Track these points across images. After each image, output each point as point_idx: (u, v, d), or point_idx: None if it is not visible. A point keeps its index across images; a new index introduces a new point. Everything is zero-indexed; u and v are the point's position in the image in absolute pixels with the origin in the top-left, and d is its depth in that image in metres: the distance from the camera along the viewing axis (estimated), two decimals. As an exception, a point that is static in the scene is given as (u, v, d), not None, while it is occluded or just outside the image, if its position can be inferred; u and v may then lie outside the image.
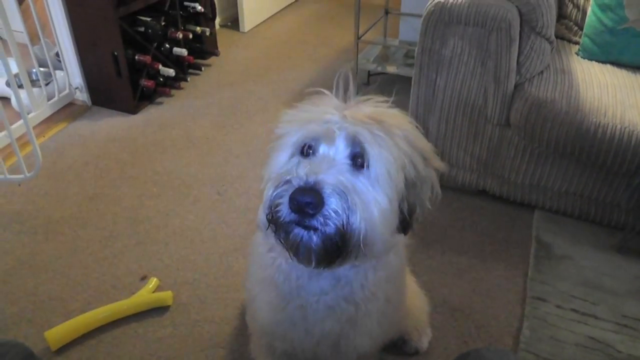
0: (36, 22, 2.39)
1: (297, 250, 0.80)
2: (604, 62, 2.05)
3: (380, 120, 0.81)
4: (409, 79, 1.93)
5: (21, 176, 2.01)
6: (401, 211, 0.85)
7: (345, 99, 0.87)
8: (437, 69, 1.89)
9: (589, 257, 1.84)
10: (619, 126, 1.69)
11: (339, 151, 0.80)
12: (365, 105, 0.85)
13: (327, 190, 0.74)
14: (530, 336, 1.55)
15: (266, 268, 1.01)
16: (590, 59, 2.07)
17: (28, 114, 2.23)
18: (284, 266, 0.97)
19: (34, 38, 2.52)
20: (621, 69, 2.01)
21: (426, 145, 0.88)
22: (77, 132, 2.54)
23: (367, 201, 0.78)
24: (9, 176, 2.02)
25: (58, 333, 1.50)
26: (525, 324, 1.59)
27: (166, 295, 1.64)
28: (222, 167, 2.30)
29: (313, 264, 0.81)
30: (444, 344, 1.55)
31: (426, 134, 2.02)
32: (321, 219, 0.75)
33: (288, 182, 0.77)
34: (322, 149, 0.82)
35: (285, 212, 0.77)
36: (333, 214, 0.75)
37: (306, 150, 0.83)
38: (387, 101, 0.88)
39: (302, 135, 0.83)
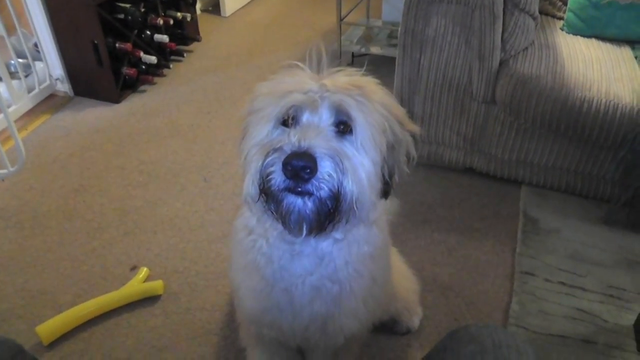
0: (12, 12, 2.33)
1: (289, 218, 0.80)
2: (588, 36, 2.05)
3: (360, 86, 0.82)
4: (393, 59, 1.92)
5: (5, 171, 1.98)
6: (382, 175, 0.87)
7: (318, 71, 0.87)
8: (421, 48, 1.88)
9: (576, 230, 1.86)
10: (603, 100, 1.70)
11: (323, 119, 0.81)
12: (340, 75, 0.86)
13: (319, 155, 0.75)
14: (519, 310, 1.57)
15: (247, 253, 1.00)
16: (575, 34, 2.07)
17: (8, 107, 2.20)
18: (265, 249, 0.97)
19: (10, 29, 2.46)
20: (606, 43, 2.01)
21: (400, 110, 0.89)
22: (60, 123, 2.51)
23: (355, 164, 0.79)
24: (-8, 171, 1.99)
25: (49, 327, 1.49)
26: (515, 299, 1.61)
27: (157, 285, 1.64)
28: (207, 154, 2.29)
29: (304, 231, 0.81)
30: (435, 323, 1.57)
31: (412, 113, 2.02)
32: (316, 183, 0.76)
33: (279, 149, 0.77)
34: (306, 117, 0.81)
35: (278, 179, 0.77)
36: (327, 177, 0.76)
37: (290, 121, 0.82)
38: (359, 71, 0.89)
39: (284, 105, 0.81)
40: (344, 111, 0.80)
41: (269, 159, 0.78)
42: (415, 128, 0.92)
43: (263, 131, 0.83)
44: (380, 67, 2.93)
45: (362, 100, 0.80)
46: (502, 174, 2.06)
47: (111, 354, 1.48)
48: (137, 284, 1.64)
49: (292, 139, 0.76)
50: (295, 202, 0.78)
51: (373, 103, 0.82)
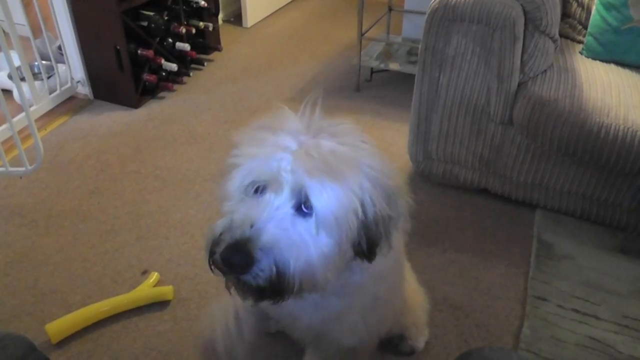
0: (38, 15, 2.38)
1: (235, 289, 0.83)
2: (607, 61, 2.04)
3: (333, 166, 0.79)
4: (411, 76, 1.92)
5: (22, 169, 2.01)
6: (359, 244, 0.85)
7: (309, 123, 0.85)
8: (441, 66, 1.88)
9: (590, 257, 1.84)
10: (622, 126, 1.68)
11: (284, 200, 0.80)
12: (327, 139, 0.82)
13: (257, 251, 0.76)
14: (530, 335, 1.55)
15: None
16: (594, 58, 2.06)
17: (30, 107, 2.23)
18: None
19: (36, 31, 2.51)
20: (625, 69, 2.00)
21: (393, 182, 0.86)
22: (79, 125, 2.54)
23: (305, 250, 0.79)
24: (10, 169, 2.02)
25: (59, 326, 1.50)
26: (526, 324, 1.59)
27: (167, 290, 1.64)
28: (223, 163, 2.29)
29: (252, 302, 0.84)
30: (444, 343, 1.55)
31: (429, 132, 2.02)
32: (250, 277, 0.78)
33: (222, 233, 0.80)
34: (268, 194, 0.81)
35: (218, 261, 0.80)
36: (261, 273, 0.77)
37: (255, 187, 0.84)
38: (355, 128, 0.86)
39: (250, 177, 0.83)
40: (305, 195, 0.79)
41: (215, 238, 0.81)
42: (408, 203, 0.89)
43: (231, 188, 0.86)
44: (399, 84, 2.94)
45: (330, 184, 0.78)
46: (516, 197, 2.04)
47: (118, 356, 1.48)
48: (147, 289, 1.64)
49: (234, 226, 0.78)
50: (236, 280, 0.81)
51: (348, 183, 0.79)
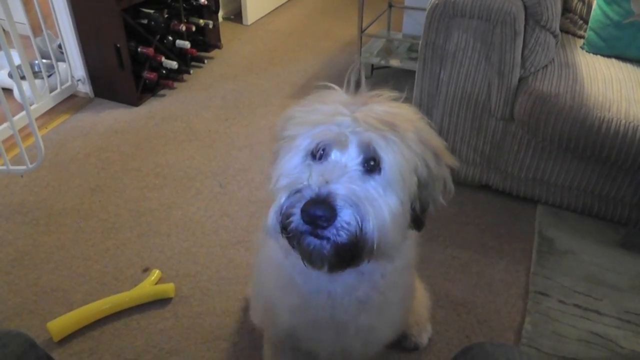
0: (39, 14, 2.38)
1: (309, 257, 0.80)
2: (609, 56, 2.04)
3: (393, 123, 0.80)
4: (412, 72, 1.92)
5: (23, 167, 2.01)
6: (413, 209, 0.85)
7: (355, 95, 0.86)
8: (441, 62, 1.88)
9: (592, 252, 1.84)
10: (623, 121, 1.68)
11: (351, 157, 0.80)
12: (377, 104, 0.83)
13: (339, 202, 0.74)
14: (532, 331, 1.55)
15: (283, 269, 0.99)
16: (595, 53, 2.06)
17: (30, 105, 2.23)
18: (302, 267, 0.94)
19: (36, 30, 2.51)
20: (626, 64, 1.99)
21: (438, 143, 0.87)
22: (80, 124, 2.54)
23: (379, 207, 0.77)
24: (11, 167, 2.02)
25: (60, 324, 1.50)
26: (528, 319, 1.59)
27: (168, 288, 1.64)
28: (224, 160, 2.30)
29: (326, 269, 0.82)
30: (446, 339, 1.55)
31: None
32: (334, 230, 0.75)
33: (299, 192, 0.77)
34: (334, 154, 0.80)
35: (297, 222, 0.77)
36: (345, 225, 0.75)
37: (318, 154, 0.82)
38: (399, 97, 0.87)
39: (313, 140, 0.82)
40: (373, 150, 0.79)
41: (290, 200, 0.78)
42: (453, 161, 0.90)
43: (293, 163, 0.84)
44: (400, 80, 2.93)
45: (394, 139, 0.79)
46: (518, 192, 2.04)
47: (120, 354, 1.48)
48: (148, 286, 1.65)
49: (312, 184, 0.76)
50: (314, 243, 0.78)
51: (406, 141, 0.80)
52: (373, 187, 0.78)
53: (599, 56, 2.04)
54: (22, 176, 2.14)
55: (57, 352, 1.48)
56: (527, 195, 2.03)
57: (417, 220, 0.87)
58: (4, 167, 2.01)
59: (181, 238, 1.88)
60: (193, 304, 1.63)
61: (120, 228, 1.92)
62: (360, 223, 0.75)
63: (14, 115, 2.03)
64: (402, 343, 1.50)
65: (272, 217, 0.81)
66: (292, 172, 0.83)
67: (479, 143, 1.99)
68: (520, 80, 1.84)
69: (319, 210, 0.73)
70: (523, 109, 1.79)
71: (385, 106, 0.83)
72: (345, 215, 0.74)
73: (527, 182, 1.99)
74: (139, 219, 1.96)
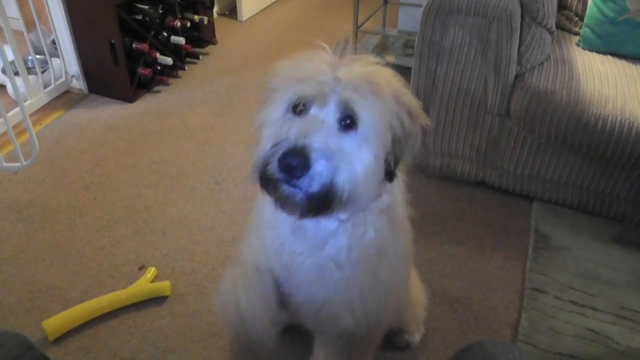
0: (32, 9, 2.36)
1: (284, 203, 0.87)
2: (604, 52, 2.04)
3: (372, 82, 0.84)
4: (408, 69, 1.91)
5: (18, 164, 1.99)
6: (387, 163, 0.90)
7: (340, 55, 0.90)
8: (437, 59, 1.88)
9: (587, 249, 1.84)
10: (619, 118, 1.68)
11: (329, 113, 0.84)
12: (358, 64, 0.87)
13: (314, 155, 0.79)
14: (528, 327, 1.56)
15: (263, 213, 1.06)
16: (591, 50, 2.06)
17: (24, 101, 2.22)
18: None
19: (29, 25, 2.49)
20: (622, 60, 2.00)
21: (413, 103, 0.91)
22: (74, 120, 2.52)
23: (352, 161, 0.82)
24: (5, 164, 2.00)
25: (56, 323, 1.49)
26: (524, 316, 1.59)
27: (164, 285, 1.63)
28: (220, 156, 2.29)
29: (298, 215, 0.87)
30: (443, 336, 1.55)
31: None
32: (307, 180, 0.81)
33: (277, 144, 0.82)
34: (314, 110, 0.85)
35: (274, 170, 0.82)
36: (317, 177, 0.80)
37: (299, 108, 0.87)
38: (378, 61, 0.91)
39: (295, 94, 0.86)
40: (351, 108, 0.83)
41: (269, 151, 0.84)
42: (426, 121, 0.94)
43: (275, 114, 0.89)
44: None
45: (371, 97, 0.83)
46: (514, 189, 2.04)
47: (116, 352, 1.47)
48: (144, 284, 1.64)
49: (290, 136, 0.81)
50: (288, 190, 0.84)
51: (383, 99, 0.85)
52: (348, 142, 0.83)
53: (594, 53, 2.04)
54: (16, 173, 2.13)
55: (53, 350, 1.47)
56: (523, 192, 2.03)
57: (390, 173, 0.92)
58: (-3, 164, 2.00)
59: (177, 235, 1.87)
60: (189, 302, 1.63)
61: (116, 225, 1.91)
62: (332, 174, 0.81)
63: (7, 112, 2.02)
64: (393, 340, 1.49)
65: (254, 163, 0.87)
66: (274, 123, 0.89)
67: (475, 139, 1.99)
68: (516, 76, 1.84)
69: (295, 161, 0.79)
70: (519, 106, 1.79)
71: (367, 67, 0.88)
72: (319, 167, 0.80)
73: (523, 179, 2.00)
74: (135, 216, 1.95)
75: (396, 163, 0.92)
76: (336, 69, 0.85)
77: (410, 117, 0.90)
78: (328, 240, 0.98)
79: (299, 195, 0.83)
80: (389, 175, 0.93)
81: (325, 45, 0.93)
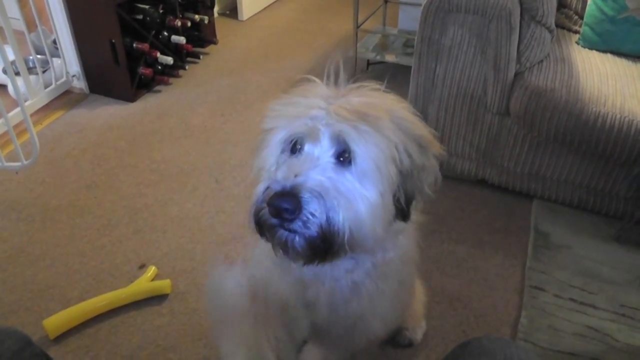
0: (33, 9, 2.36)
1: (284, 249, 0.81)
2: (604, 51, 2.04)
3: (367, 113, 0.79)
4: (408, 67, 1.92)
5: (18, 164, 2.00)
6: (398, 200, 0.84)
7: (336, 87, 0.86)
8: (437, 57, 1.88)
9: (587, 247, 1.84)
10: (618, 116, 1.68)
11: (324, 149, 0.80)
12: (355, 95, 0.83)
13: (305, 194, 0.75)
14: (528, 325, 1.56)
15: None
16: (591, 48, 2.06)
17: (25, 101, 2.22)
18: None
19: (30, 25, 2.49)
20: (621, 58, 2.00)
21: (423, 132, 0.86)
22: (75, 120, 2.53)
23: (352, 199, 0.77)
24: (6, 164, 2.01)
25: (56, 321, 1.50)
26: (524, 313, 1.59)
27: (164, 284, 1.64)
28: (220, 156, 2.29)
29: (302, 262, 0.82)
30: (443, 333, 1.56)
31: (425, 123, 2.01)
32: (300, 223, 0.76)
33: (268, 187, 0.78)
34: (307, 147, 0.81)
35: (267, 216, 0.78)
36: (311, 218, 0.76)
37: (295, 147, 0.84)
38: (379, 88, 0.87)
39: (288, 133, 0.83)
40: (344, 142, 0.79)
41: (261, 195, 0.80)
42: (440, 151, 0.89)
43: (270, 156, 0.86)
44: (396, 76, 2.93)
45: (366, 129, 0.78)
46: (514, 187, 2.04)
47: (116, 351, 1.48)
48: (144, 283, 1.64)
49: (280, 177, 0.78)
50: (285, 235, 0.79)
51: (382, 129, 0.79)
52: (347, 179, 0.78)
53: (594, 51, 2.04)
54: (17, 172, 2.13)
55: (53, 349, 1.47)
56: (523, 190, 2.03)
57: (402, 211, 0.86)
58: (-2, 164, 2.00)
59: (177, 234, 1.87)
60: (189, 301, 1.63)
61: (116, 224, 1.91)
62: (327, 214, 0.76)
63: (8, 112, 2.02)
64: (396, 338, 1.50)
65: (249, 210, 0.83)
66: (270, 165, 0.85)
67: (474, 138, 1.99)
68: (515, 75, 1.84)
69: (284, 203, 0.75)
70: (519, 104, 1.80)
71: (363, 97, 0.83)
72: (311, 207, 0.75)
73: (522, 177, 2.00)
74: (135, 216, 1.95)
75: (409, 200, 0.86)
76: (331, 101, 0.82)
77: (420, 148, 0.84)
78: (358, 259, 0.94)
79: (298, 240, 0.78)
80: (402, 214, 0.87)
81: (317, 79, 0.88)
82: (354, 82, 0.88)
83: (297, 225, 0.76)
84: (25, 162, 1.99)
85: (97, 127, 2.48)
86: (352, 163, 0.79)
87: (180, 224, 1.92)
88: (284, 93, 0.88)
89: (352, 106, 0.80)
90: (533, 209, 2.00)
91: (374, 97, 0.84)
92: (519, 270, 1.77)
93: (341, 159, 0.80)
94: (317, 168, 0.78)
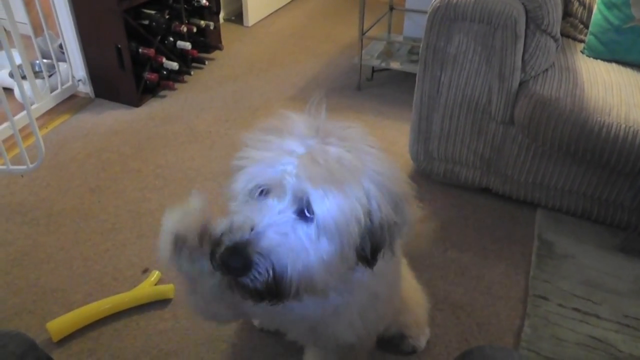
0: (40, 14, 2.38)
1: (235, 288, 0.83)
2: (609, 60, 2.04)
3: (338, 174, 0.78)
4: (412, 75, 1.92)
5: (24, 167, 2.01)
6: (362, 249, 0.85)
7: (316, 125, 0.85)
8: (442, 65, 1.88)
9: (591, 257, 1.84)
10: (623, 125, 1.68)
11: (286, 205, 0.80)
12: (334, 141, 0.82)
13: (254, 257, 0.77)
14: (531, 334, 1.55)
15: None
16: (596, 58, 2.06)
17: (31, 105, 2.23)
18: None
19: (37, 29, 2.51)
20: (626, 68, 2.00)
21: (401, 189, 0.86)
22: (80, 124, 2.54)
23: (305, 255, 0.79)
24: (11, 167, 2.02)
25: (60, 324, 1.50)
26: (527, 322, 1.59)
27: (168, 288, 1.64)
28: (224, 161, 2.30)
29: (254, 303, 0.85)
30: (445, 342, 1.55)
31: (430, 131, 2.02)
32: (247, 280, 0.79)
33: (225, 232, 0.80)
34: (271, 200, 0.81)
35: (218, 263, 0.80)
36: (258, 277, 0.78)
37: (261, 191, 0.84)
38: (364, 132, 0.87)
39: (254, 182, 0.84)
40: (307, 203, 0.79)
41: (215, 240, 0.82)
42: (414, 212, 0.88)
43: (237, 194, 0.87)
44: (400, 83, 2.94)
45: (333, 192, 0.77)
46: (517, 196, 2.04)
47: (119, 354, 1.48)
48: (148, 287, 1.65)
49: (234, 226, 0.79)
50: (235, 281, 0.81)
51: (350, 194, 0.79)
52: (305, 234, 0.80)
53: (599, 60, 2.05)
54: (22, 176, 2.14)
55: (57, 352, 1.47)
56: (527, 199, 2.03)
57: (366, 259, 0.87)
58: (4, 167, 2.01)
59: (181, 239, 1.87)
60: (192, 305, 1.63)
61: (120, 229, 1.91)
62: (275, 273, 0.78)
63: (14, 115, 2.03)
64: (399, 346, 1.49)
65: (209, 240, 0.85)
66: (235, 199, 0.87)
67: (479, 146, 1.99)
68: (520, 84, 1.84)
69: (233, 261, 0.77)
70: (523, 113, 1.80)
71: (342, 148, 0.82)
72: (259, 267, 0.77)
73: (527, 186, 2.00)
74: (139, 220, 1.96)
75: (375, 250, 0.86)
76: (308, 144, 0.81)
77: (395, 205, 0.84)
78: None
79: (244, 287, 0.81)
80: (366, 261, 0.87)
81: (297, 115, 0.87)
82: (333, 116, 0.87)
83: (245, 280, 0.79)
84: (30, 166, 2.00)
85: (102, 132, 2.49)
86: (313, 220, 0.79)
87: (184, 228, 1.92)
88: (263, 123, 0.88)
89: (325, 161, 0.79)
90: (537, 218, 2.00)
91: (353, 149, 0.83)
92: (522, 279, 1.76)
93: (303, 212, 0.80)
94: (274, 225, 0.79)
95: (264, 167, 0.82)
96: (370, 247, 0.85)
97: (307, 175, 0.78)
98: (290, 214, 0.80)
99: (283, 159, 0.80)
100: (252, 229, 0.78)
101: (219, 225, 0.83)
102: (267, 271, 0.77)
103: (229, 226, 0.80)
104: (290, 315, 1.02)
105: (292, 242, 0.79)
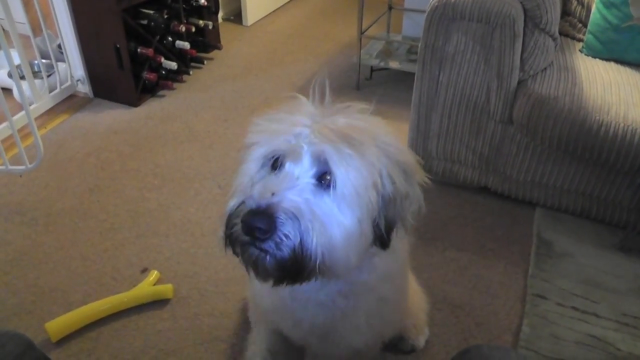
0: (38, 14, 2.38)
1: (254, 267, 0.80)
2: (607, 59, 2.04)
3: (352, 136, 0.77)
4: (411, 74, 1.92)
5: (22, 167, 2.01)
6: (377, 226, 0.83)
7: (322, 106, 0.85)
8: (440, 64, 1.88)
9: (590, 255, 1.84)
10: (621, 124, 1.68)
11: (304, 169, 0.78)
12: (341, 115, 0.82)
13: (280, 215, 0.73)
14: (530, 333, 1.55)
15: None
16: (594, 57, 2.06)
17: (30, 105, 2.23)
18: None
19: (36, 29, 2.51)
20: (625, 67, 2.00)
21: (409, 159, 0.84)
22: (79, 124, 2.54)
23: (327, 223, 0.76)
24: (10, 167, 2.02)
25: (59, 324, 1.50)
26: (526, 321, 1.59)
27: (166, 288, 1.64)
28: (223, 161, 2.30)
29: (271, 282, 0.81)
30: (444, 341, 1.55)
31: (429, 130, 2.02)
32: (272, 244, 0.74)
33: (243, 202, 0.77)
34: (288, 165, 0.79)
35: (239, 232, 0.77)
36: (285, 239, 0.74)
37: (275, 163, 0.82)
38: (367, 109, 0.85)
39: (270, 149, 0.81)
40: (325, 164, 0.77)
41: (235, 209, 0.78)
42: (424, 179, 0.87)
43: (250, 172, 0.84)
44: (399, 83, 2.94)
45: (349, 152, 0.76)
46: (516, 195, 2.04)
47: (118, 354, 1.48)
48: (147, 287, 1.65)
49: (256, 194, 0.75)
50: (257, 254, 0.77)
51: (365, 154, 0.77)
52: (325, 202, 0.76)
53: (597, 59, 2.05)
54: (21, 176, 2.14)
55: (55, 352, 1.47)
56: (526, 198, 2.03)
57: (382, 238, 0.84)
58: (3, 167, 2.01)
59: (180, 239, 1.88)
60: (191, 305, 1.63)
61: (119, 228, 1.91)
62: (301, 237, 0.74)
63: (13, 115, 2.03)
64: (398, 345, 1.49)
65: (221, 222, 0.81)
66: (249, 180, 0.83)
67: (477, 145, 1.99)
68: (519, 83, 1.84)
69: (258, 222, 0.72)
70: (522, 112, 1.80)
71: (350, 118, 0.81)
72: (285, 229, 0.73)
73: (525, 185, 2.00)
74: (138, 220, 1.96)
75: (390, 227, 0.84)
76: (316, 119, 0.80)
77: (405, 175, 0.82)
78: (320, 288, 0.94)
79: (268, 260, 0.76)
80: (381, 241, 0.85)
81: (303, 97, 0.86)
82: (342, 101, 0.86)
83: (269, 245, 0.74)
84: (29, 166, 2.00)
85: (101, 131, 2.49)
86: (332, 186, 0.76)
87: (182, 228, 1.92)
88: (271, 109, 0.87)
89: (337, 127, 0.78)
90: (536, 217, 2.00)
91: (361, 120, 0.82)
92: (521, 278, 1.76)
93: (322, 181, 0.78)
94: (295, 188, 0.76)
95: (277, 136, 0.80)
96: (384, 222, 0.82)
97: (321, 136, 0.76)
98: (309, 179, 0.77)
99: (296, 129, 0.79)
100: (272, 194, 0.75)
101: (234, 200, 0.80)
102: (293, 233, 0.73)
103: (250, 195, 0.76)
104: (300, 326, 1.02)
105: (315, 207, 0.76)
